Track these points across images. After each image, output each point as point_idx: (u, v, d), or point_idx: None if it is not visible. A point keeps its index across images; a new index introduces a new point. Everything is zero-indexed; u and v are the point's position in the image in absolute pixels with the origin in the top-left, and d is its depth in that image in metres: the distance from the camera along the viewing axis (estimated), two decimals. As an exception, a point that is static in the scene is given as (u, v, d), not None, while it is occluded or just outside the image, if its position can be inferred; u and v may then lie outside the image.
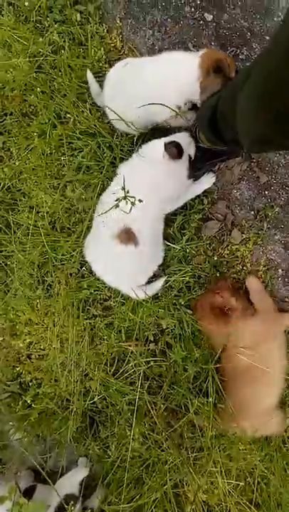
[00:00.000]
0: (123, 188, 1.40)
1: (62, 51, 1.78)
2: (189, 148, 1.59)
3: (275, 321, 1.70)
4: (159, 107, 1.53)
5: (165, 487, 1.75)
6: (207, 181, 1.74)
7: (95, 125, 1.76)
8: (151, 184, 1.51)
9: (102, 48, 1.80)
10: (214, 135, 1.46)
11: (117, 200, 1.43)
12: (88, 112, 1.77)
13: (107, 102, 1.67)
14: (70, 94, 1.76)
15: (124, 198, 1.39)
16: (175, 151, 1.50)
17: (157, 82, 1.54)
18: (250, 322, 1.64)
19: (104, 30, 1.83)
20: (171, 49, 1.80)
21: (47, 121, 1.78)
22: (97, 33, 1.82)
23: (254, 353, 1.58)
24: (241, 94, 1.03)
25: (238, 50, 1.75)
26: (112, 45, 1.84)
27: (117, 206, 1.44)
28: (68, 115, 1.78)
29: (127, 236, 1.55)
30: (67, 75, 1.77)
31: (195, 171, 1.68)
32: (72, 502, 1.66)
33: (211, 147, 1.61)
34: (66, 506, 1.60)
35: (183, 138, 1.60)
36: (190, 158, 1.58)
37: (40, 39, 1.79)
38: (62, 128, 1.79)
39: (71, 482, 1.82)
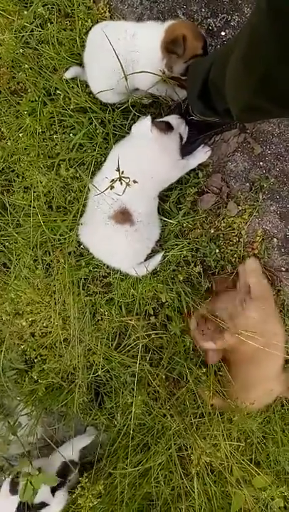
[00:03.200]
0: (118, 169, 1.39)
1: (49, 24, 1.73)
2: (180, 128, 1.57)
3: (270, 300, 1.74)
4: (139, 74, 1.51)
5: (170, 451, 1.85)
6: (202, 155, 1.73)
7: (86, 101, 1.74)
8: (144, 163, 1.51)
9: (89, 20, 1.75)
10: (205, 106, 1.45)
11: (111, 182, 1.42)
12: (78, 87, 1.74)
13: (86, 66, 1.64)
14: (59, 69, 1.73)
15: (119, 179, 1.38)
16: (163, 124, 1.49)
17: (132, 50, 1.50)
18: (249, 310, 1.65)
19: (91, 0, 1.77)
20: (161, 18, 1.75)
21: (37, 98, 1.75)
22: (83, 3, 1.76)
23: (256, 339, 1.59)
24: (230, 60, 1.03)
25: (230, 17, 1.71)
26: (100, 15, 1.79)
27: (112, 188, 1.43)
28: (58, 91, 1.75)
29: (123, 216, 1.56)
30: (55, 48, 1.73)
31: (190, 144, 1.67)
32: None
33: (204, 119, 1.59)
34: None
35: (172, 118, 1.59)
36: (181, 138, 1.56)
37: (25, 12, 1.73)
38: (52, 105, 1.76)
39: (72, 448, 1.90)
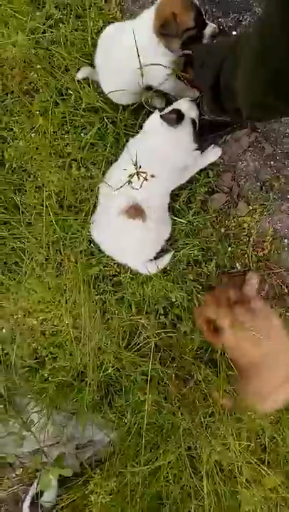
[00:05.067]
0: (135, 164, 1.40)
1: (61, 25, 1.74)
2: (190, 112, 1.56)
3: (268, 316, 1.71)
4: (151, 69, 1.50)
5: (179, 450, 1.85)
6: (213, 154, 1.73)
7: (97, 100, 1.75)
8: (159, 158, 1.52)
9: (100, 20, 1.76)
10: (216, 105, 1.46)
11: (130, 176, 1.43)
12: (90, 87, 1.75)
13: (98, 66, 1.65)
14: (71, 69, 1.74)
15: (137, 174, 1.39)
16: (173, 116, 1.49)
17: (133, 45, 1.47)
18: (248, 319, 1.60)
19: (102, 0, 1.78)
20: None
21: (48, 98, 1.77)
22: (95, 3, 1.77)
23: (261, 345, 1.56)
24: (242, 56, 1.04)
25: (241, 16, 1.71)
26: (111, 16, 1.80)
27: (130, 182, 1.44)
28: (70, 91, 1.76)
29: (135, 211, 1.57)
30: (67, 48, 1.74)
31: (200, 143, 1.68)
32: None
33: (215, 118, 1.60)
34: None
35: (182, 103, 1.58)
36: (194, 121, 1.55)
37: (38, 13, 1.74)
38: (64, 105, 1.77)
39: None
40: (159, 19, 1.44)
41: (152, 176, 1.42)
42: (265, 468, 1.82)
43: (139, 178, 1.40)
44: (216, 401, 1.80)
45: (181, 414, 1.82)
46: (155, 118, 1.53)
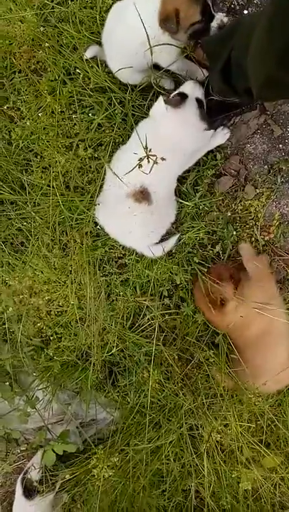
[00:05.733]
0: (145, 148, 1.39)
1: (70, 2, 1.72)
2: (195, 92, 1.55)
3: (270, 282, 1.74)
4: (158, 49, 1.48)
5: (181, 429, 1.88)
6: (221, 136, 1.72)
7: (105, 80, 1.73)
8: (170, 143, 1.50)
9: (110, -3, 1.73)
10: (226, 85, 1.44)
11: (139, 160, 1.42)
12: (98, 67, 1.73)
13: (105, 44, 1.63)
14: (80, 48, 1.72)
15: (147, 157, 1.38)
16: (177, 98, 1.48)
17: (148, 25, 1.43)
18: (249, 293, 1.65)
19: (111, -23, 1.75)
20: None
21: (56, 77, 1.75)
22: (104, -20, 1.74)
23: (261, 320, 1.61)
24: (254, 32, 1.03)
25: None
26: (121, -7, 1.76)
27: (140, 166, 1.43)
28: (78, 71, 1.74)
29: (142, 195, 1.57)
30: (76, 27, 1.72)
31: (209, 122, 1.66)
32: None
33: (224, 99, 1.58)
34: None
35: (186, 84, 1.57)
36: (200, 103, 1.54)
37: (46, -12, 1.72)
38: (72, 85, 1.76)
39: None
40: (161, 13, 1.42)
41: (163, 159, 1.41)
42: (265, 449, 1.85)
43: (149, 161, 1.39)
44: (217, 383, 1.83)
45: (184, 394, 1.85)
46: (160, 103, 1.53)
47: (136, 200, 1.55)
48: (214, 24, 1.49)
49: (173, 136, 1.52)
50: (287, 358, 1.68)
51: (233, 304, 1.60)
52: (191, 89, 1.54)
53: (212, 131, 1.58)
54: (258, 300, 1.63)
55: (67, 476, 1.90)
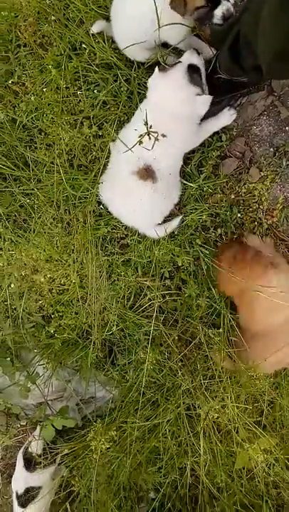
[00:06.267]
0: (146, 124, 1.37)
1: (77, -27, 1.68)
2: (190, 59, 1.51)
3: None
4: (166, 27, 1.45)
5: (179, 409, 1.91)
6: (227, 117, 1.69)
7: (111, 56, 1.71)
8: (166, 112, 1.48)
9: None
10: (234, 63, 1.41)
11: (140, 136, 1.40)
12: (105, 43, 1.70)
13: (113, 19, 1.60)
14: (86, 22, 1.69)
15: (148, 134, 1.37)
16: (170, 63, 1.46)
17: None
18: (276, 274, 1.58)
19: None
20: None
21: (62, 52, 1.73)
22: None
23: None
24: (264, 7, 1.01)
25: None
26: None
27: (140, 143, 1.42)
28: (84, 46, 1.72)
29: (146, 173, 1.56)
30: (83, 0, 1.69)
31: (215, 105, 1.64)
32: None
33: (231, 78, 1.55)
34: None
35: (184, 54, 1.54)
36: (193, 66, 1.50)
37: None
38: (77, 60, 1.74)
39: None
40: None
41: (163, 136, 1.39)
42: (261, 431, 1.88)
43: (150, 138, 1.38)
44: (216, 364, 1.84)
45: (182, 375, 1.87)
46: (155, 72, 1.51)
47: (140, 177, 1.54)
48: (219, 12, 1.45)
49: (162, 101, 1.50)
50: None
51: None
52: (186, 56, 1.51)
53: (207, 97, 1.51)
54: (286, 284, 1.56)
55: (66, 451, 1.94)
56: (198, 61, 1.52)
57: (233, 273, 1.60)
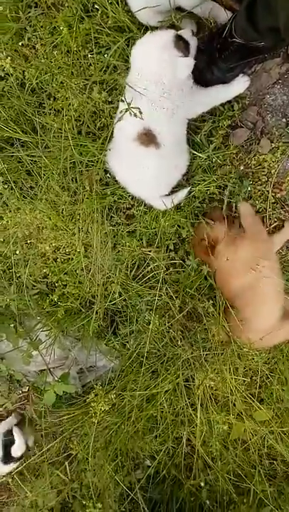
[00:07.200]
0: (122, 101, 1.43)
1: None
2: (184, 33, 1.48)
3: (264, 242, 1.75)
4: None
5: (178, 380, 1.94)
6: (241, 84, 1.64)
7: (124, 19, 1.66)
8: (152, 75, 1.46)
9: None
10: (250, 25, 1.37)
11: (121, 112, 1.44)
12: (118, 5, 1.66)
13: None
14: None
15: (127, 110, 1.40)
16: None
17: None
18: (240, 246, 1.70)
19: None
20: None
21: (74, 12, 1.68)
22: None
23: (248, 276, 1.66)
24: None
25: None
26: None
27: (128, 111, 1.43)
28: (96, 7, 1.67)
29: (148, 138, 1.54)
30: None
31: (228, 72, 1.60)
32: None
33: (247, 43, 1.51)
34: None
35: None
36: (184, 40, 1.47)
37: None
38: (89, 22, 1.69)
39: None
40: None
41: (141, 113, 1.39)
42: (258, 403, 1.90)
43: (130, 114, 1.41)
44: (215, 336, 1.86)
45: (182, 345, 1.89)
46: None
47: (142, 143, 1.52)
48: None
49: (146, 64, 1.48)
50: (274, 318, 1.70)
51: (222, 246, 1.68)
52: (182, 31, 1.49)
53: (189, 59, 1.47)
54: (248, 256, 1.68)
55: (66, 416, 1.99)
56: (190, 39, 1.48)
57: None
